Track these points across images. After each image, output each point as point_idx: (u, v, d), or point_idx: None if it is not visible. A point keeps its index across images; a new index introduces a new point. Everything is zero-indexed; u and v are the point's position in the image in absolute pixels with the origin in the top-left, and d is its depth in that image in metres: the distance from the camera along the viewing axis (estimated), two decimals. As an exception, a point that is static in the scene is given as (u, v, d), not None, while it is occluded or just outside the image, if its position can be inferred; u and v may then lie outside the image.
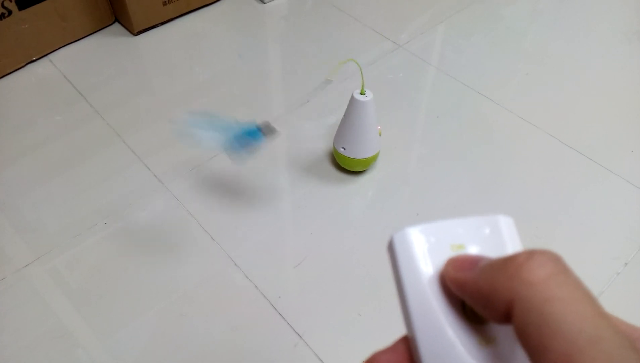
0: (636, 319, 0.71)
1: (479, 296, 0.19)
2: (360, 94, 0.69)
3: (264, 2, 1.06)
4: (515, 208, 0.74)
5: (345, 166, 0.76)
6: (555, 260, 0.18)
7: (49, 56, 0.94)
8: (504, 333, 0.20)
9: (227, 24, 1.03)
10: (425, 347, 0.20)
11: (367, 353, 0.23)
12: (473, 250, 0.22)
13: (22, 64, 0.92)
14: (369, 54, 0.97)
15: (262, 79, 0.92)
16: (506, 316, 0.18)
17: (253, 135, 0.63)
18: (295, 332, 0.61)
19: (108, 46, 0.97)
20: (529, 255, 0.18)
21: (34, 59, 0.93)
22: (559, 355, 0.16)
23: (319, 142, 0.81)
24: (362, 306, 0.63)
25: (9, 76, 0.91)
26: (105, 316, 0.62)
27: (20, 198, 0.73)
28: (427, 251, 0.22)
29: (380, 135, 0.74)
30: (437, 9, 1.07)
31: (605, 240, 0.71)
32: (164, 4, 0.98)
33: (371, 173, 0.77)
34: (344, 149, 0.72)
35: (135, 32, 0.98)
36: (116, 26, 1.01)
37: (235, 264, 0.67)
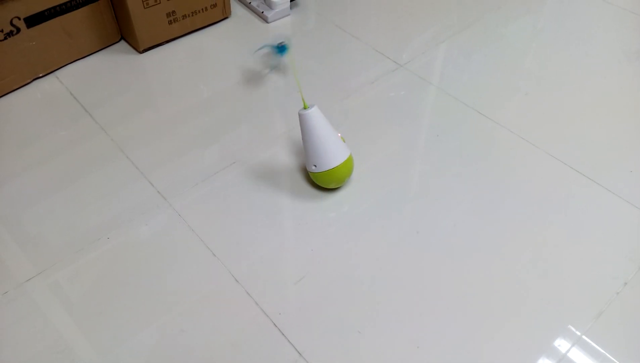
0: (634, 339, 0.71)
1: None
2: (304, 108, 0.70)
3: (267, 22, 1.08)
4: (514, 227, 0.74)
5: (322, 183, 0.76)
6: None
7: (55, 72, 0.96)
8: None
9: (231, 42, 1.04)
10: None
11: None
12: None
13: (29, 80, 0.93)
14: (370, 72, 0.98)
15: (265, 97, 0.93)
16: None
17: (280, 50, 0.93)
18: (296, 349, 0.61)
19: (114, 63, 0.98)
20: None
21: (41, 75, 0.94)
22: None
23: (321, 159, 0.82)
24: (362, 324, 0.63)
25: (16, 91, 0.92)
26: (105, 331, 0.62)
27: (23, 212, 0.74)
28: None
29: (343, 141, 0.74)
30: (438, 28, 1.09)
31: (604, 259, 0.71)
32: (170, 22, 1.00)
33: (372, 189, 0.78)
34: (315, 166, 0.72)
35: (141, 50, 1.00)
36: (122, 44, 1.02)
37: (236, 280, 0.67)
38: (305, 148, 0.73)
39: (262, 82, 0.91)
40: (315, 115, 0.70)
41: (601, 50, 1.06)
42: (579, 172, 0.81)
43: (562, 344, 0.62)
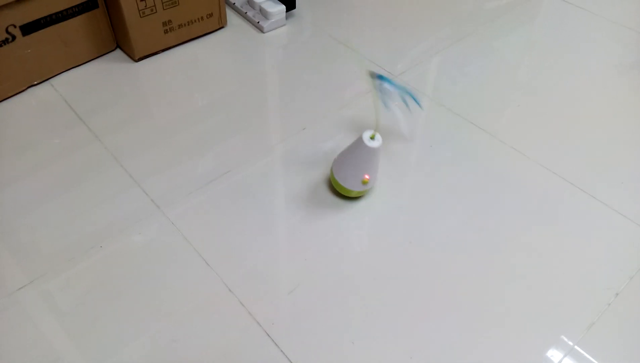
0: (626, 350, 0.71)
1: None
2: (371, 138, 0.69)
3: (263, 32, 1.09)
4: (507, 238, 0.75)
5: (342, 192, 0.77)
6: None
7: (50, 80, 0.96)
8: None
9: (227, 52, 1.05)
10: None
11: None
12: None
13: (24, 87, 0.93)
14: (365, 83, 0.99)
15: (260, 106, 0.93)
16: None
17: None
18: (289, 359, 0.61)
19: (109, 72, 0.98)
20: None
21: (36, 83, 0.94)
22: None
23: (316, 168, 0.82)
24: (356, 334, 0.63)
25: (11, 99, 0.92)
26: (97, 340, 0.62)
27: (16, 220, 0.74)
28: None
29: (365, 183, 0.74)
30: (433, 40, 1.10)
31: (596, 270, 0.71)
32: (166, 31, 1.00)
33: (366, 200, 0.78)
34: (343, 179, 0.74)
35: (137, 58, 1.00)
36: (118, 52, 1.02)
37: (230, 290, 0.67)
38: (346, 162, 0.73)
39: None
40: (378, 151, 0.70)
41: (593, 63, 1.07)
42: (570, 183, 0.82)
43: (554, 354, 0.63)
